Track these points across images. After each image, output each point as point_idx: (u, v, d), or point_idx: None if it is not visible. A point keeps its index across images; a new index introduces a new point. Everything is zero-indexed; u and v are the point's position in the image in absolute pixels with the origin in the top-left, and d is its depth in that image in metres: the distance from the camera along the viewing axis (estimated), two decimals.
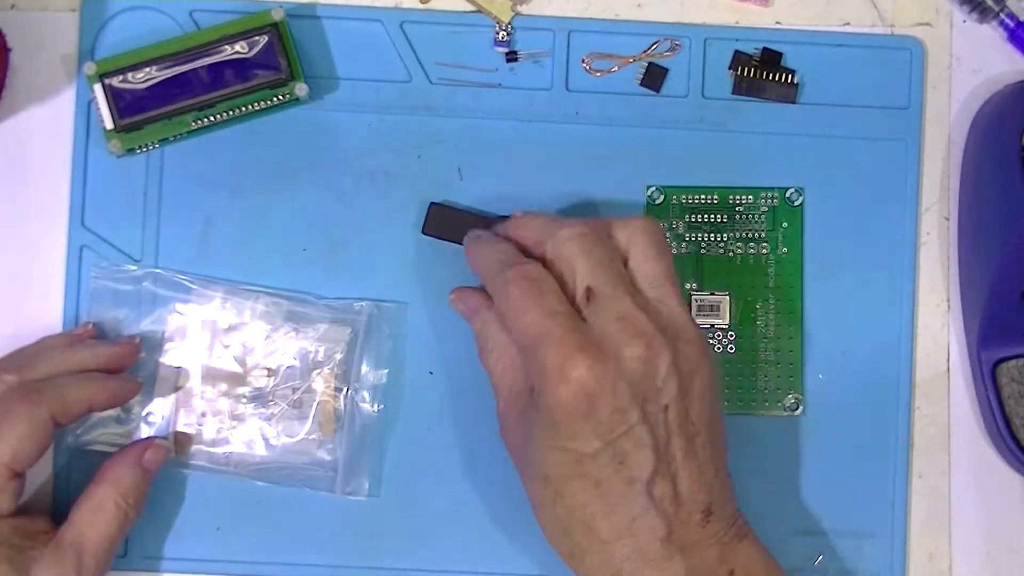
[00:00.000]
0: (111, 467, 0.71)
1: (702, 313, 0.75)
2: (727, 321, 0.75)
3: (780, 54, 0.75)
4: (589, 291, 0.64)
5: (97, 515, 0.69)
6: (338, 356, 0.74)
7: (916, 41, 0.76)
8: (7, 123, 0.75)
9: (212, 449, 0.74)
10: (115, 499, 0.69)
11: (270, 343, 0.74)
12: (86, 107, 0.74)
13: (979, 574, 0.76)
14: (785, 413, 0.75)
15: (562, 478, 0.64)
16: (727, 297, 0.75)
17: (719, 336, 0.75)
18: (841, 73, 0.76)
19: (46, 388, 0.68)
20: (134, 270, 0.74)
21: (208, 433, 0.74)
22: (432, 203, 0.74)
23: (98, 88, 0.72)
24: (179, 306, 0.74)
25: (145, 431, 0.74)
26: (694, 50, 0.75)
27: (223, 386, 0.74)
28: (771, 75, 0.75)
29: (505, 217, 0.74)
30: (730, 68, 0.75)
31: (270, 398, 0.74)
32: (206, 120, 0.73)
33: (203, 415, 0.74)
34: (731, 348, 0.75)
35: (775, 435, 0.75)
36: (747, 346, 0.75)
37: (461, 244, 0.73)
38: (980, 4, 0.75)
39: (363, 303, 0.74)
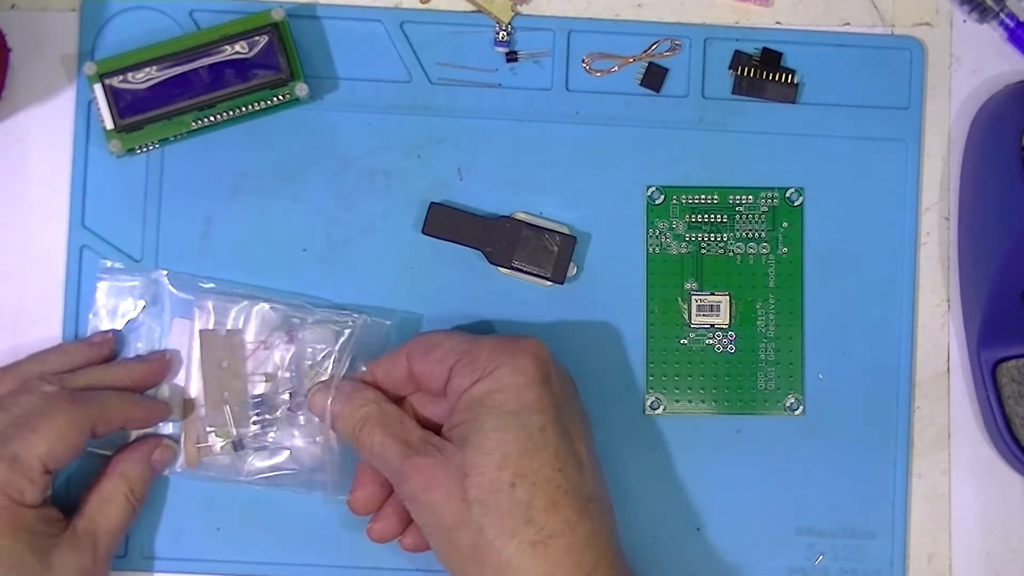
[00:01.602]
0: (121, 461, 0.72)
1: (702, 313, 0.75)
2: (727, 321, 0.75)
3: (780, 54, 0.75)
4: None
5: (108, 506, 0.71)
6: (330, 362, 0.73)
7: (916, 41, 0.76)
8: (7, 123, 0.75)
9: (221, 459, 0.74)
10: (124, 492, 0.71)
11: (266, 349, 0.74)
12: (86, 107, 0.74)
13: (979, 574, 0.76)
14: (785, 413, 0.75)
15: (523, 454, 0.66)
16: (727, 297, 0.75)
17: (719, 336, 0.75)
18: (841, 73, 0.76)
19: (91, 397, 0.70)
20: (137, 273, 0.74)
21: (216, 446, 0.74)
22: (432, 203, 0.74)
23: (98, 88, 0.72)
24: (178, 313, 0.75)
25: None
26: (694, 50, 0.75)
27: (226, 393, 0.74)
28: (771, 75, 0.75)
29: (505, 217, 0.74)
30: (730, 68, 0.75)
31: (270, 405, 0.74)
32: (206, 120, 0.73)
33: (210, 425, 0.74)
34: (731, 348, 0.75)
35: (775, 435, 0.75)
36: (747, 346, 0.75)
37: (461, 244, 0.73)
38: (980, 4, 0.75)
39: (357, 316, 0.74)
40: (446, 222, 0.74)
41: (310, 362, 0.74)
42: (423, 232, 0.74)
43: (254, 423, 0.74)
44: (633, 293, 0.75)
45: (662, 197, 0.75)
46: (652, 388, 0.75)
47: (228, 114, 0.73)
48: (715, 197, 0.75)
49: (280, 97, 0.73)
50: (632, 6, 0.76)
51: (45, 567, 0.67)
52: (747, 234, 0.75)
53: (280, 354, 0.74)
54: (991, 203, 0.74)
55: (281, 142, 0.75)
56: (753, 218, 0.75)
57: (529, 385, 0.66)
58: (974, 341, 0.74)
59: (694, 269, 0.75)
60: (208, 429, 0.74)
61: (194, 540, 0.74)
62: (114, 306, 0.74)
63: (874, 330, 0.75)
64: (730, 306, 0.75)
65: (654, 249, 0.75)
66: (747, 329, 0.75)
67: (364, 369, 0.72)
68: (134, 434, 0.74)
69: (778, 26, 0.76)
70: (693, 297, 0.75)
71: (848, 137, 0.75)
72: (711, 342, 0.75)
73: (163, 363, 0.74)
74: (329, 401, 0.71)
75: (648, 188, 0.75)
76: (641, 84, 0.75)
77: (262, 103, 0.73)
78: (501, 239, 0.74)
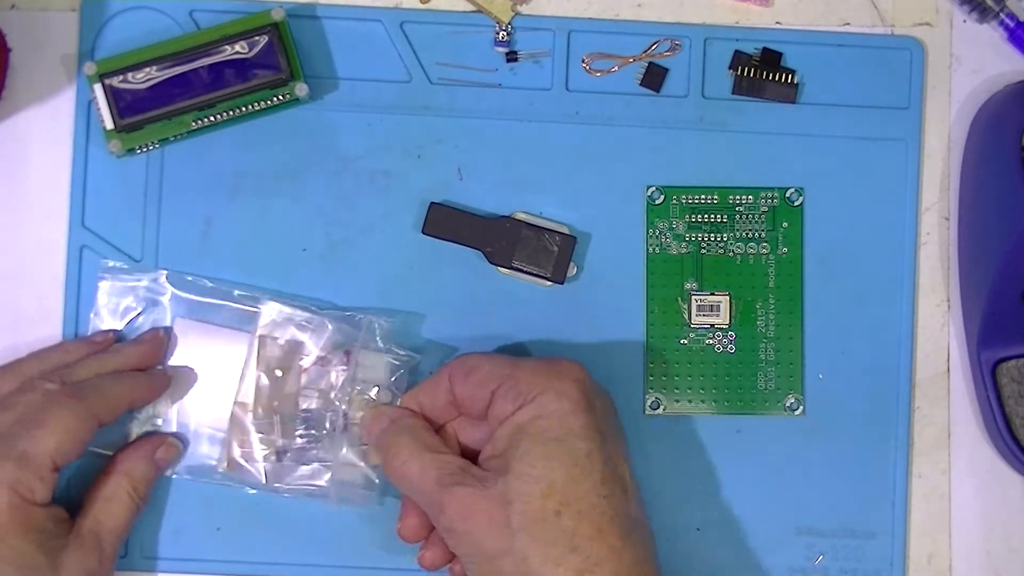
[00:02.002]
0: (124, 459, 0.72)
1: (702, 313, 0.75)
2: (727, 321, 0.75)
3: (780, 54, 0.75)
4: None
5: (111, 504, 0.71)
6: (382, 391, 0.73)
7: (916, 41, 0.76)
8: (7, 123, 0.75)
9: (260, 466, 0.74)
10: (127, 489, 0.71)
11: (322, 367, 0.74)
12: (86, 107, 0.74)
13: (979, 574, 0.76)
14: (785, 413, 0.75)
15: (568, 482, 0.65)
16: (727, 297, 0.75)
17: (719, 336, 0.75)
18: (841, 73, 0.76)
19: (90, 388, 0.70)
20: (140, 272, 0.75)
21: (258, 454, 0.74)
22: (432, 203, 0.74)
23: (98, 88, 0.72)
24: (179, 313, 0.74)
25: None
26: (694, 50, 0.75)
27: (276, 403, 0.74)
28: (771, 75, 0.75)
29: (505, 218, 0.74)
30: (730, 68, 0.75)
31: (318, 421, 0.74)
32: (206, 120, 0.73)
33: (252, 435, 0.74)
34: (731, 348, 0.75)
35: (775, 435, 0.75)
36: (747, 346, 0.75)
37: (461, 244, 0.73)
38: (980, 4, 0.75)
39: (416, 355, 0.74)
40: (446, 222, 0.74)
41: (361, 387, 0.73)
42: (423, 232, 0.74)
43: (300, 436, 0.73)
44: (633, 293, 0.75)
45: (662, 197, 0.75)
46: (652, 388, 0.75)
47: (228, 114, 0.73)
48: (715, 197, 0.75)
49: (280, 97, 0.73)
50: (632, 6, 0.76)
51: (54, 568, 0.67)
52: (747, 234, 0.75)
53: (335, 373, 0.74)
54: (991, 203, 0.74)
55: (281, 142, 0.75)
56: (753, 218, 0.75)
57: (574, 411, 0.66)
58: (974, 341, 0.74)
59: (694, 269, 0.75)
60: (255, 436, 0.74)
61: (194, 540, 0.74)
62: (115, 305, 0.74)
63: (874, 330, 0.75)
64: (730, 306, 0.75)
65: (654, 249, 0.75)
66: (747, 329, 0.75)
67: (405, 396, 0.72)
68: (135, 432, 0.74)
69: (778, 26, 0.76)
70: (693, 297, 0.75)
71: (848, 137, 0.75)
72: (711, 342, 0.75)
73: (158, 340, 0.74)
74: (375, 431, 0.71)
75: (648, 188, 0.75)
76: (641, 84, 0.75)
77: (262, 103, 0.73)
78: (501, 239, 0.74)
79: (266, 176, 0.75)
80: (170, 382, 0.73)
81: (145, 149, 0.74)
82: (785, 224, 0.75)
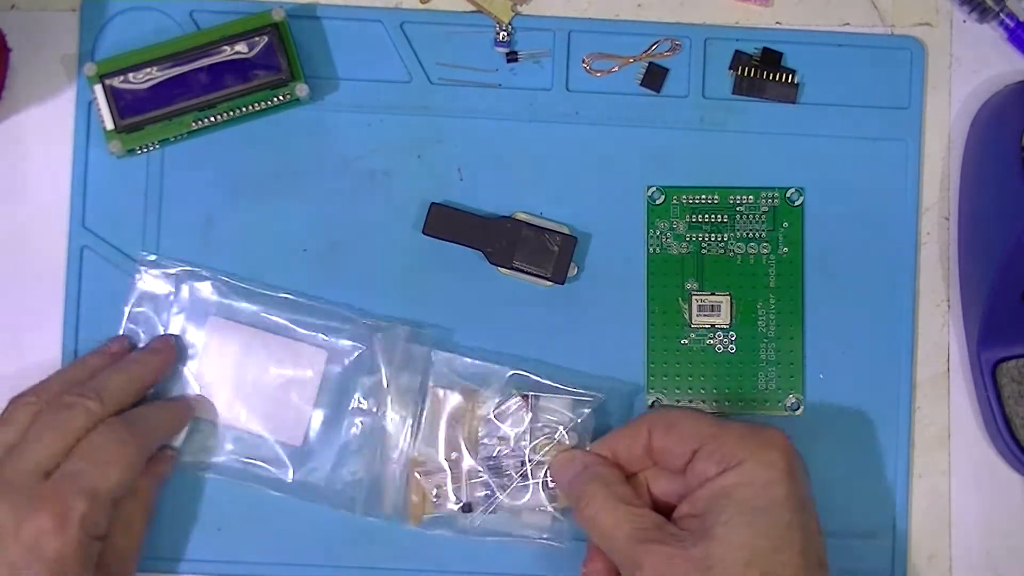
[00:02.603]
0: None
1: (703, 313, 0.75)
2: (727, 321, 0.75)
3: (780, 54, 0.75)
4: None
5: (129, 527, 0.71)
6: (566, 434, 0.73)
7: (916, 41, 0.76)
8: (7, 123, 0.75)
9: (446, 518, 0.74)
10: (139, 511, 0.71)
11: (502, 414, 0.74)
12: (87, 107, 0.74)
13: (979, 574, 0.76)
14: (786, 413, 0.75)
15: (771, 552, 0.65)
16: (728, 297, 0.75)
17: (719, 336, 0.75)
18: (841, 73, 0.76)
19: (140, 419, 0.70)
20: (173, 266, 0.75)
21: (444, 503, 0.73)
22: (432, 203, 0.74)
23: (98, 89, 0.72)
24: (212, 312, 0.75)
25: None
26: (694, 50, 0.75)
27: (454, 454, 0.73)
28: (771, 75, 0.75)
29: (506, 218, 0.74)
30: (730, 68, 0.75)
31: (501, 469, 0.73)
32: (206, 121, 0.73)
33: (436, 484, 0.73)
34: (731, 348, 0.75)
35: None
36: (748, 346, 0.75)
37: (462, 244, 0.73)
38: (980, 4, 0.75)
39: (598, 395, 0.74)
40: (446, 222, 0.74)
41: (544, 431, 0.73)
42: (423, 232, 0.74)
43: (483, 485, 0.73)
44: (634, 293, 0.75)
45: (662, 197, 0.75)
46: (653, 388, 0.75)
47: (228, 114, 0.73)
48: (715, 197, 0.75)
49: (280, 97, 0.73)
50: (632, 6, 0.76)
51: None
52: (748, 234, 0.75)
53: (514, 419, 0.73)
54: (991, 203, 0.74)
55: (281, 142, 0.75)
56: (754, 218, 0.75)
57: (779, 480, 0.65)
58: (974, 341, 0.74)
59: (695, 269, 0.75)
60: (435, 488, 0.73)
61: (194, 540, 0.74)
62: (150, 300, 0.74)
63: (874, 330, 0.75)
64: (731, 306, 0.75)
65: (655, 249, 0.75)
66: (748, 329, 0.75)
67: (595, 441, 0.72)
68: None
69: (778, 26, 0.76)
70: (694, 297, 0.75)
71: (848, 137, 0.75)
72: (712, 342, 0.75)
73: (172, 348, 0.74)
74: (567, 473, 0.70)
75: (648, 188, 0.75)
76: (641, 84, 0.75)
77: (262, 103, 0.73)
78: (501, 239, 0.74)
79: (266, 176, 0.75)
80: (195, 412, 0.74)
81: (145, 149, 0.74)
82: (785, 224, 0.75)
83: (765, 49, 0.75)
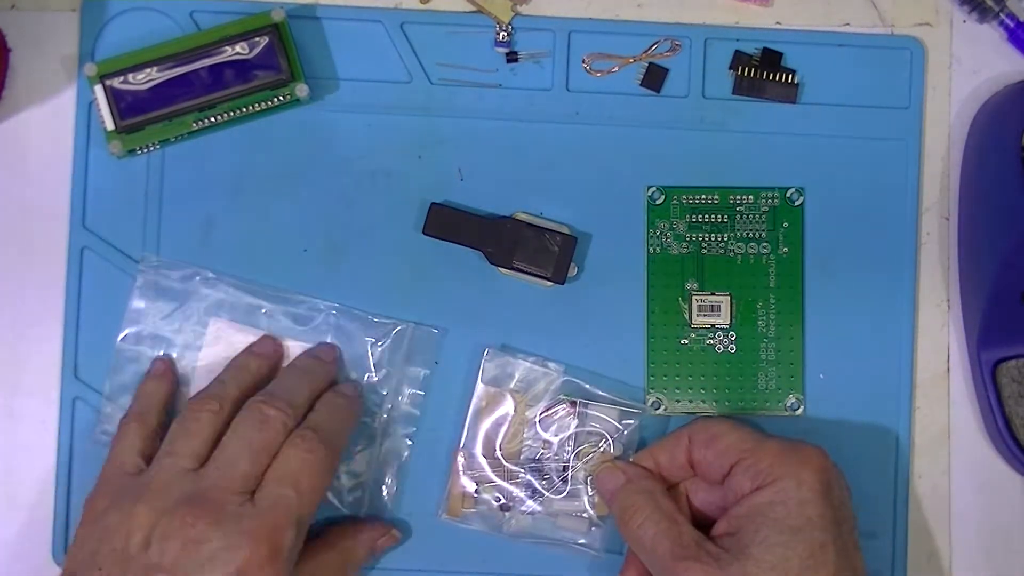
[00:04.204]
0: (346, 537, 0.72)
1: (703, 313, 0.75)
2: (728, 321, 0.75)
3: (780, 54, 0.75)
4: None
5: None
6: (610, 443, 0.73)
7: (916, 41, 0.76)
8: (7, 124, 0.75)
9: (484, 515, 0.74)
10: (343, 569, 0.72)
11: (548, 417, 0.74)
12: (87, 108, 0.74)
13: (979, 574, 0.76)
14: (786, 413, 0.75)
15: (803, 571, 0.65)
16: (728, 297, 0.75)
17: (719, 336, 0.75)
18: (841, 73, 0.76)
19: (332, 434, 0.69)
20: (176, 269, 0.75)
21: (482, 503, 0.74)
22: (433, 204, 0.74)
23: (99, 89, 0.72)
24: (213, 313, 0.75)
25: None
26: (694, 50, 0.75)
27: (498, 453, 0.74)
28: (771, 75, 0.75)
29: (506, 218, 0.74)
30: (730, 68, 0.75)
31: (542, 471, 0.74)
32: (207, 121, 0.73)
33: (478, 481, 0.74)
34: (732, 348, 0.75)
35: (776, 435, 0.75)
36: (748, 346, 0.75)
37: (462, 244, 0.73)
38: (980, 4, 0.75)
39: (643, 406, 0.75)
40: (447, 222, 0.74)
41: (590, 439, 0.74)
42: (423, 232, 0.74)
43: (523, 486, 0.74)
44: (634, 293, 0.75)
45: (663, 197, 0.75)
46: (653, 388, 0.75)
47: (229, 115, 0.73)
48: (716, 197, 0.75)
49: (281, 98, 0.73)
50: (632, 6, 0.76)
51: None
52: (748, 234, 0.75)
53: (560, 424, 0.74)
54: (991, 203, 0.74)
55: (282, 143, 0.75)
56: (754, 218, 0.75)
57: (812, 501, 0.66)
58: (974, 341, 0.74)
59: (695, 269, 0.75)
60: (475, 486, 0.74)
61: None
62: (151, 300, 0.74)
63: (875, 330, 0.75)
64: (731, 306, 0.75)
65: (655, 249, 0.75)
66: (748, 329, 0.75)
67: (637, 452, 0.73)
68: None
69: (778, 26, 0.76)
70: (694, 297, 0.75)
71: (849, 137, 0.75)
72: (712, 342, 0.75)
73: (333, 352, 0.74)
74: (611, 484, 0.71)
75: (648, 188, 0.75)
76: (641, 84, 0.75)
77: (263, 104, 0.73)
78: (502, 239, 0.74)
79: (267, 177, 0.75)
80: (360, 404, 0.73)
81: (146, 150, 0.74)
82: (786, 224, 0.75)
83: (765, 49, 0.75)
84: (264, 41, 0.72)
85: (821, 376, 0.75)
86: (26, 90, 0.75)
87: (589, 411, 0.74)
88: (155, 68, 0.72)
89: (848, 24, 0.76)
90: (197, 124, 0.73)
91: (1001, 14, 0.75)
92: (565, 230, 0.74)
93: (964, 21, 0.77)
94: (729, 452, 0.68)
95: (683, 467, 0.71)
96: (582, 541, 0.74)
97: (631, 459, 0.73)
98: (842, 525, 0.67)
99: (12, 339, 0.75)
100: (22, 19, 0.76)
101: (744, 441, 0.69)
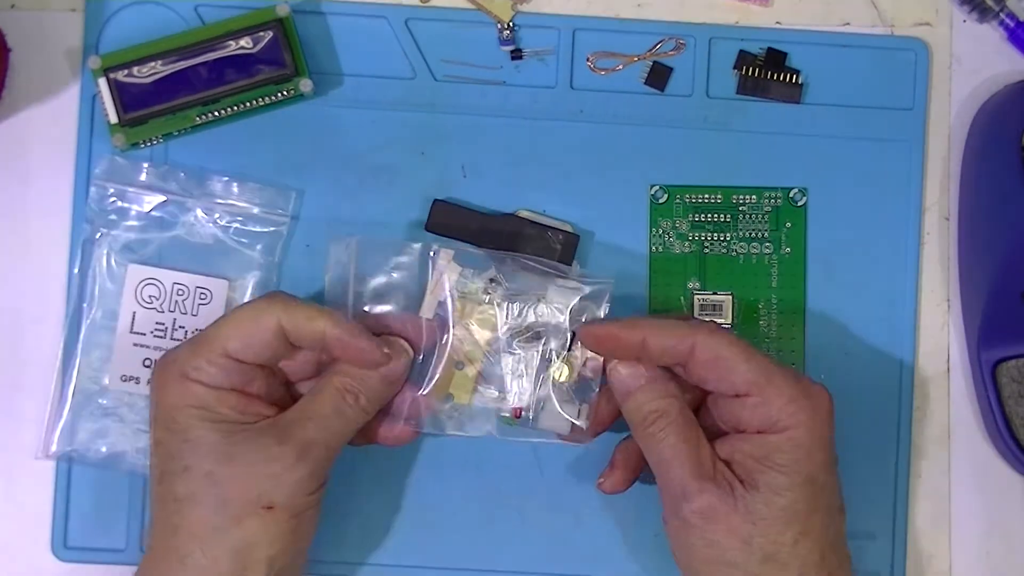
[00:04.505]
0: (343, 362, 0.69)
1: (704, 312, 0.75)
2: (730, 320, 0.75)
3: (785, 54, 0.76)
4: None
5: (316, 397, 0.68)
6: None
7: (921, 42, 0.76)
8: (7, 123, 0.75)
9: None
10: (338, 385, 0.68)
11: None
12: (90, 103, 0.74)
13: (979, 574, 0.76)
14: None
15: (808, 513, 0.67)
16: (730, 297, 0.75)
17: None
18: (845, 74, 0.76)
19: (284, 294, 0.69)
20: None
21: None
22: (436, 200, 0.74)
23: (103, 82, 0.72)
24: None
25: None
26: (699, 49, 0.76)
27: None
28: (775, 75, 0.75)
29: (509, 215, 0.74)
30: (735, 68, 0.76)
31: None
32: (210, 115, 0.73)
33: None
34: None
35: None
36: None
37: (464, 241, 0.73)
38: (980, 4, 0.76)
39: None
40: (450, 219, 0.74)
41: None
42: (426, 229, 0.74)
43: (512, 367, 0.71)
44: (636, 292, 0.75)
45: (665, 196, 0.75)
46: None
47: (232, 109, 0.73)
48: (719, 196, 0.75)
49: (284, 93, 0.73)
50: (632, 5, 0.76)
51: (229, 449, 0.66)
52: (750, 234, 0.75)
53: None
54: (991, 203, 0.74)
55: (285, 138, 0.75)
56: (756, 218, 0.75)
57: (820, 447, 0.67)
58: (974, 341, 0.74)
59: (697, 268, 0.75)
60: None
61: None
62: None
63: (876, 330, 0.76)
64: (732, 306, 0.75)
65: (657, 248, 0.75)
66: (749, 329, 0.75)
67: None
68: None
69: (781, 26, 0.76)
70: (696, 296, 0.75)
71: (852, 138, 0.76)
72: None
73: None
74: (631, 382, 0.69)
75: (652, 187, 0.75)
76: (645, 83, 0.75)
77: (266, 99, 0.73)
78: (504, 236, 0.74)
79: (270, 172, 0.74)
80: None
81: (149, 144, 0.73)
82: (788, 224, 0.75)
83: (769, 49, 0.76)
84: (268, 36, 0.72)
85: (821, 376, 0.75)
86: (26, 90, 0.75)
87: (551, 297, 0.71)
88: (159, 62, 0.72)
89: (848, 24, 0.76)
90: (200, 118, 0.73)
91: (1001, 14, 0.76)
92: (568, 228, 0.74)
93: (964, 21, 0.77)
94: (736, 383, 0.67)
95: (673, 363, 0.68)
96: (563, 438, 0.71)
97: (611, 324, 0.69)
98: (836, 462, 0.69)
99: (14, 335, 0.74)
100: (22, 19, 0.75)
101: (753, 373, 0.66)
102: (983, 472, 0.76)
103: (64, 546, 0.74)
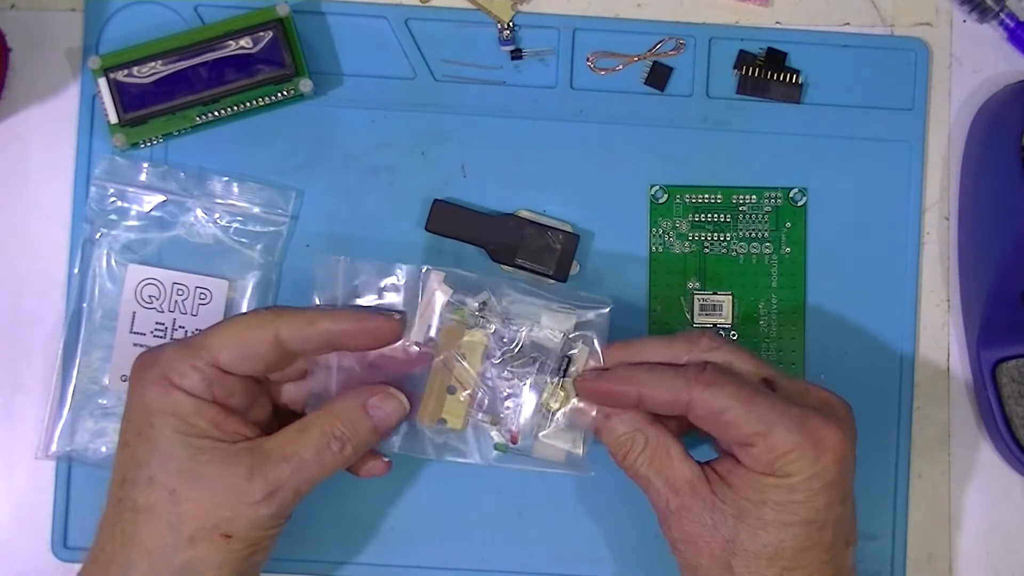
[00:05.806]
0: (334, 401, 0.68)
1: (704, 312, 0.75)
2: (729, 321, 0.75)
3: (785, 54, 0.76)
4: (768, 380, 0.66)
5: (300, 435, 0.66)
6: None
7: (921, 42, 0.76)
8: (7, 123, 0.75)
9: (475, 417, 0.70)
10: (326, 429, 0.66)
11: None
12: (90, 104, 0.74)
13: (979, 574, 0.76)
14: None
15: (798, 551, 0.64)
16: (730, 297, 0.75)
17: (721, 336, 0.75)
18: (846, 73, 0.76)
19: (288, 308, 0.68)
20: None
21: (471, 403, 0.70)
22: (436, 200, 0.74)
23: (103, 82, 0.72)
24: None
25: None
26: (699, 49, 0.76)
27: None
28: (775, 75, 0.75)
29: (509, 215, 0.74)
30: (735, 68, 0.76)
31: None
32: (210, 115, 0.73)
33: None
34: None
35: None
36: (749, 346, 0.75)
37: (464, 242, 0.73)
38: (980, 4, 0.76)
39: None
40: (449, 219, 0.74)
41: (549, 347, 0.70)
42: (426, 229, 0.74)
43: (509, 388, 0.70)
44: (636, 292, 0.75)
45: (665, 196, 0.75)
46: None
47: (232, 109, 0.73)
48: (719, 196, 0.75)
49: (284, 93, 0.73)
50: (631, 5, 0.76)
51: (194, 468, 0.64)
52: (750, 234, 0.75)
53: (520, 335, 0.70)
54: (991, 203, 0.74)
55: (285, 138, 0.75)
56: (756, 218, 0.75)
57: (824, 490, 0.64)
58: (974, 341, 0.74)
59: (697, 268, 0.75)
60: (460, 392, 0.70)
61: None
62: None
63: (876, 330, 0.76)
64: (732, 306, 0.75)
65: (657, 248, 0.75)
66: (749, 329, 0.75)
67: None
68: None
69: (781, 26, 0.76)
70: (696, 296, 0.75)
71: (852, 138, 0.76)
72: None
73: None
74: (594, 412, 0.68)
75: (652, 187, 0.75)
76: (645, 83, 0.75)
77: (266, 99, 0.73)
78: (504, 237, 0.74)
79: (270, 172, 0.75)
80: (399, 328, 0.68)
81: (149, 144, 0.73)
82: (788, 224, 0.75)
83: (770, 49, 0.76)
84: (268, 36, 0.72)
85: (822, 376, 0.75)
86: (26, 90, 0.75)
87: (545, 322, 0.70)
88: (159, 62, 0.72)
89: (848, 24, 0.76)
90: (200, 118, 0.73)
91: (1001, 14, 0.76)
92: (568, 228, 0.74)
93: (964, 21, 0.77)
94: (736, 436, 0.64)
95: (672, 414, 0.67)
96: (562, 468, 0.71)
97: (607, 378, 0.67)
98: (847, 499, 0.66)
99: (12, 339, 0.74)
100: (22, 19, 0.75)
101: (753, 425, 0.63)
102: (983, 472, 0.76)
103: (64, 546, 0.74)
